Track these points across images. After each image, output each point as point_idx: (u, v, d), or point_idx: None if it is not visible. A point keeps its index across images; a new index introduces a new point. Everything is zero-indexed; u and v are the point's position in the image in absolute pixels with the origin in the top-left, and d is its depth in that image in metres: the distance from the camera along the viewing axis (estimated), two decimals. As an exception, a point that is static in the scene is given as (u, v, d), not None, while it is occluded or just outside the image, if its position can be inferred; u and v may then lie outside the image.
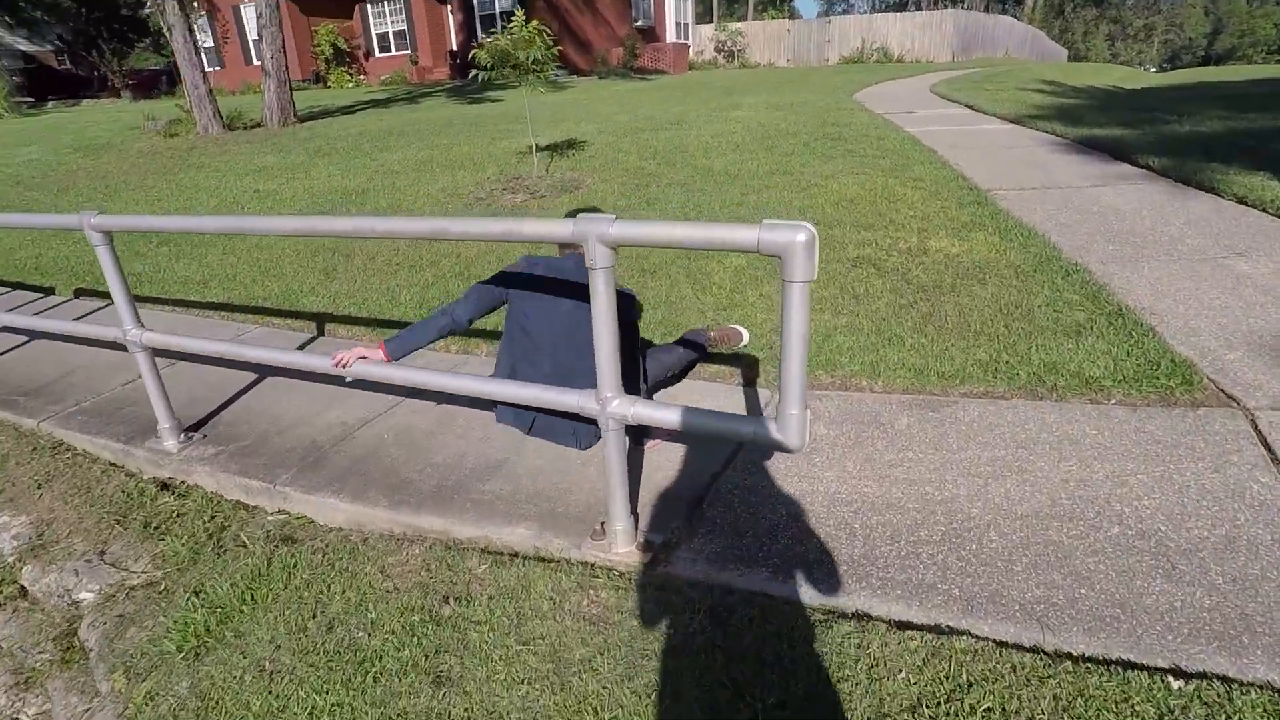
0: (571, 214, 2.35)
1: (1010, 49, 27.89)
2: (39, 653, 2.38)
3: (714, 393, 2.96)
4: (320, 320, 4.14)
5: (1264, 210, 4.44)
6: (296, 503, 2.60)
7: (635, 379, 2.50)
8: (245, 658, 1.99)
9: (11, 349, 4.13)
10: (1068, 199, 4.96)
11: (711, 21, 30.86)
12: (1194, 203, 4.74)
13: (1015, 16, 36.35)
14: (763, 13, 36.76)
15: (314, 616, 2.06)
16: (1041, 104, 9.59)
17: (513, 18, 5.82)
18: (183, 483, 2.88)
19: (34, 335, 4.20)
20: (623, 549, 2.07)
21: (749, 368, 3.10)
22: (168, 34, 9.94)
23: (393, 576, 2.14)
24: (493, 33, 5.84)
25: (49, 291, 5.17)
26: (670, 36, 25.11)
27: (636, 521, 2.15)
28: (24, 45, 28.86)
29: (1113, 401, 2.61)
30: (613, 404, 1.89)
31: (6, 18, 26.55)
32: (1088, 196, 5.01)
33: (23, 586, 2.60)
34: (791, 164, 6.30)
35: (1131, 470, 2.21)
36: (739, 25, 26.70)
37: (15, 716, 2.30)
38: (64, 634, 2.42)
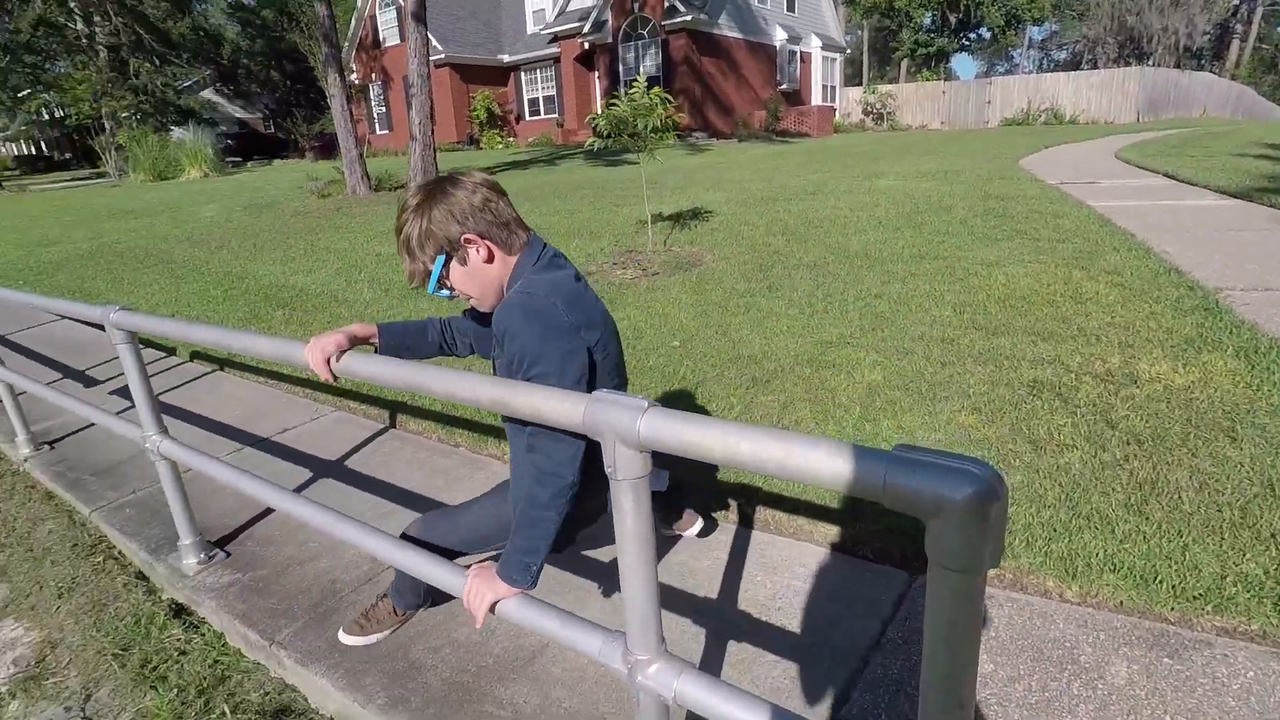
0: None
1: (1209, 108, 24.89)
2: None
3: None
4: (394, 410, 3.79)
5: None
6: (290, 672, 2.13)
7: None
8: None
9: (122, 411, 4.11)
10: (1333, 308, 3.76)
11: (860, 85, 30.10)
12: None
13: (1214, 72, 32.68)
14: (915, 75, 35.45)
15: None
16: (1274, 173, 7.98)
17: (634, 84, 5.46)
18: (194, 612, 2.52)
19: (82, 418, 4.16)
20: None
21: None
22: (330, 102, 10.67)
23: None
24: (615, 99, 5.50)
25: (171, 352, 5.28)
26: (815, 99, 24.60)
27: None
28: (239, 113, 33.34)
29: None
30: (650, 669, 1.23)
31: (228, 89, 30.81)
32: (1363, 306, 3.78)
33: (3, 728, 2.29)
34: (944, 246, 5.41)
35: None
36: (889, 88, 25.74)
37: None
38: (16, 806, 2.05)
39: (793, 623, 2.06)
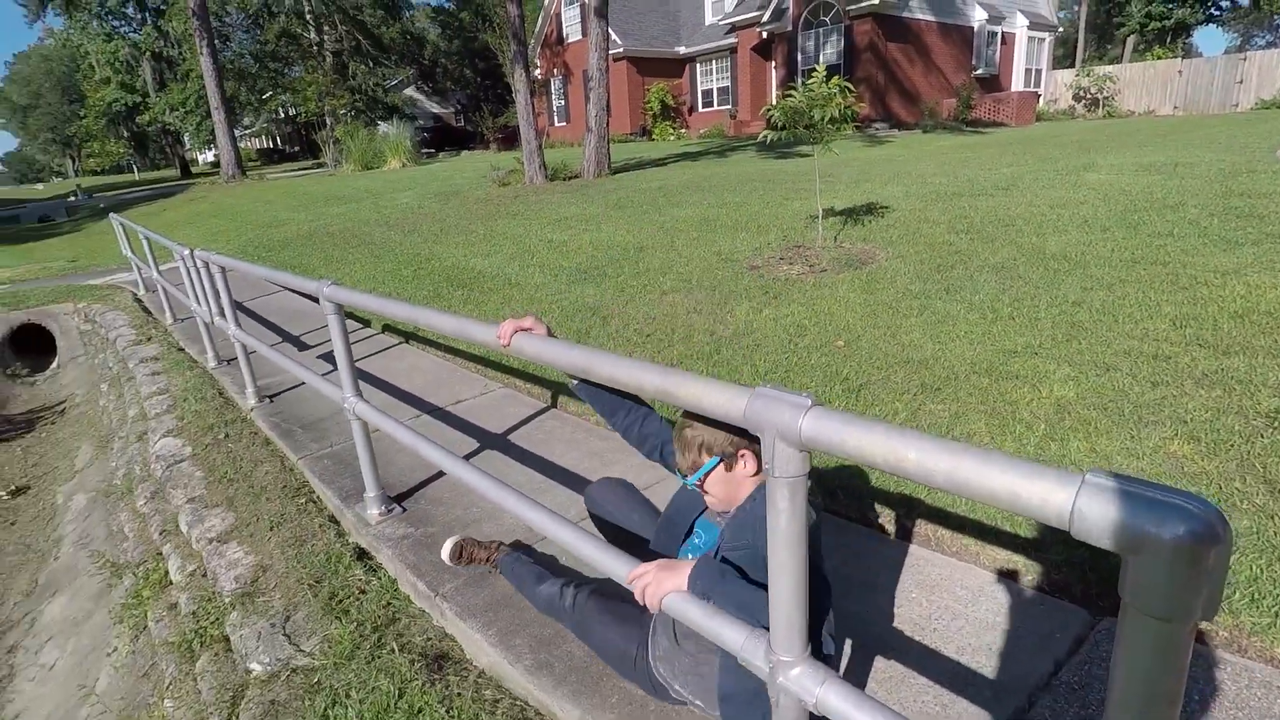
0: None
1: None
2: (214, 715, 2.38)
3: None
4: (555, 391, 3.97)
5: None
6: (450, 623, 2.31)
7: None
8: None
9: (327, 373, 4.68)
10: None
11: (1073, 66, 27.02)
12: None
13: None
14: (1144, 53, 31.03)
15: (395, 813, 1.67)
16: None
17: (813, 73, 5.28)
18: (374, 558, 2.80)
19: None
20: None
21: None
22: (515, 96, 11.35)
23: (490, 791, 1.66)
24: (792, 89, 5.35)
25: (366, 324, 5.91)
26: (1016, 84, 22.44)
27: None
28: (435, 108, 36.52)
29: None
30: (792, 672, 1.19)
31: (427, 86, 33.84)
32: None
33: (226, 635, 2.69)
34: (1166, 250, 4.73)
35: None
36: (1109, 69, 22.86)
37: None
38: (232, 702, 2.40)
39: (949, 647, 1.90)
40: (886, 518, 2.48)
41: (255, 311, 6.52)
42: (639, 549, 2.04)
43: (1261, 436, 2.48)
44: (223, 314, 4.18)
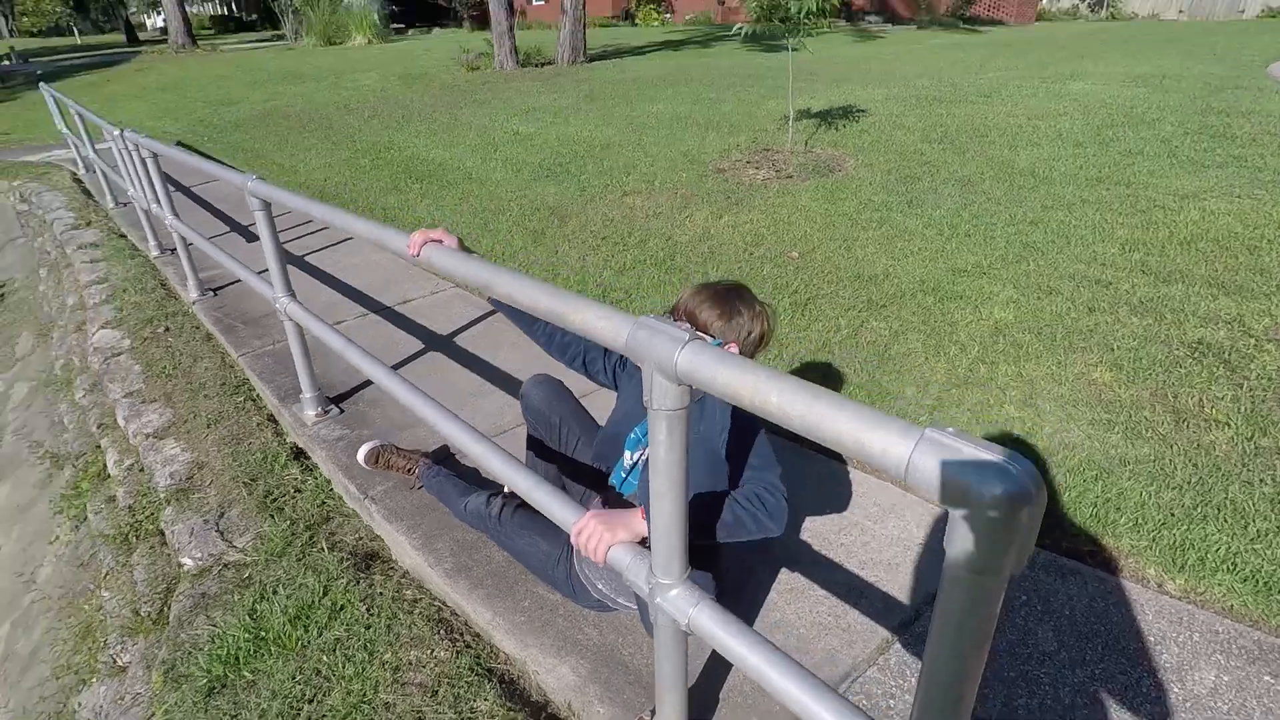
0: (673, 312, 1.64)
1: None
2: (146, 606, 2.45)
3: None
4: (505, 293, 3.91)
5: None
6: (378, 525, 2.36)
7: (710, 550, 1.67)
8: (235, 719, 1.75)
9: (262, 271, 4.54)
10: None
11: (1079, -38, 25.59)
12: None
13: None
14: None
15: (309, 700, 1.76)
16: None
17: (791, -39, 4.93)
18: (310, 457, 2.82)
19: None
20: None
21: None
22: (485, -29, 10.54)
23: (401, 685, 1.74)
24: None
25: (320, 215, 5.68)
26: (1019, -21, 21.28)
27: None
28: (404, -22, 33.81)
29: None
30: (670, 593, 1.23)
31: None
32: None
33: (162, 530, 2.72)
34: (1133, 170, 4.66)
35: None
36: (1115, -33, 21.70)
37: (118, 660, 2.39)
38: (165, 593, 2.47)
39: (852, 561, 2.00)
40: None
41: (202, 197, 6.24)
42: (570, 448, 2.07)
43: (1179, 366, 2.54)
44: (158, 201, 3.98)
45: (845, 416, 0.84)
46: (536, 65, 11.20)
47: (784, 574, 1.98)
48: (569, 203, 5.06)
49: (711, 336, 1.58)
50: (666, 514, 1.17)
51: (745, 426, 1.57)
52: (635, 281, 3.74)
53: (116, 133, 4.24)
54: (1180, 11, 20.09)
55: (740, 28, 5.27)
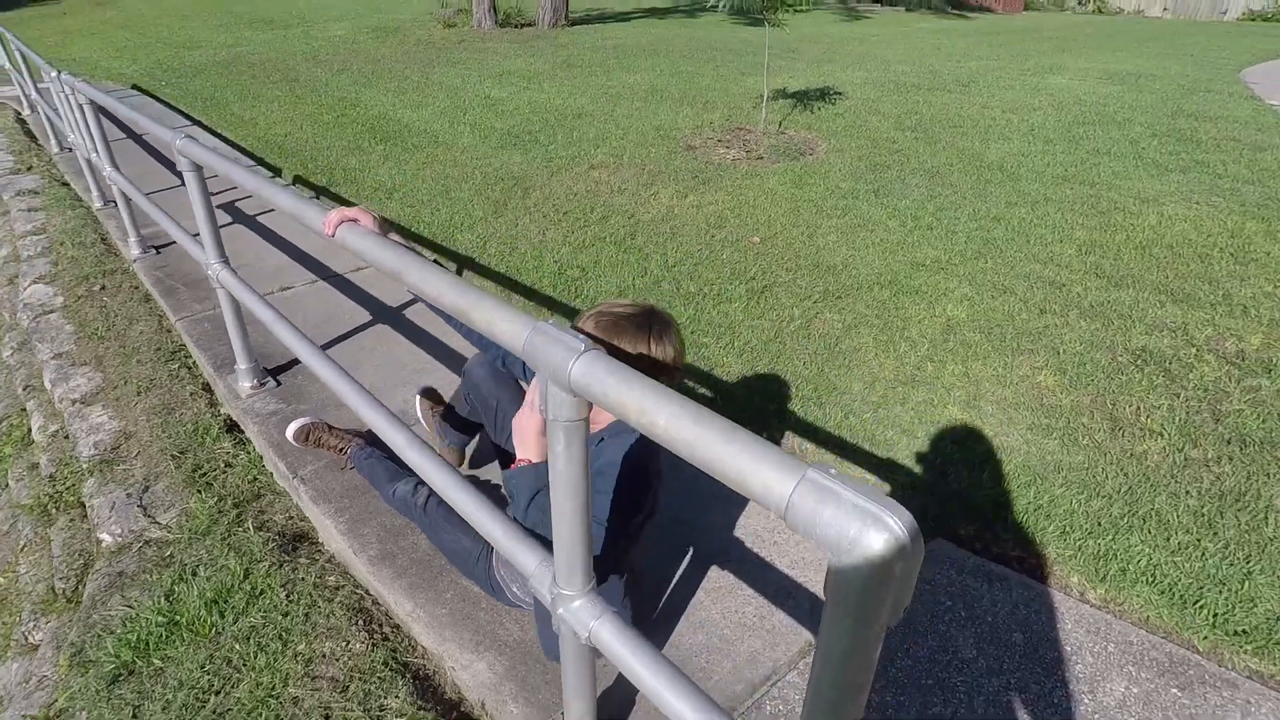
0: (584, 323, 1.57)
1: None
2: (61, 582, 2.37)
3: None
4: (461, 264, 3.81)
5: None
6: (306, 506, 2.29)
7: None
8: (136, 712, 1.70)
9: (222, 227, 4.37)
10: None
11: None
12: None
13: None
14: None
15: (216, 693, 1.71)
16: None
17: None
18: (244, 431, 2.73)
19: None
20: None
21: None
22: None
23: (311, 679, 1.70)
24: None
25: (277, 172, 5.49)
26: (1009, -34, 21.12)
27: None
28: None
29: None
30: (573, 604, 1.20)
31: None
32: None
33: (83, 501, 2.63)
34: (1099, 170, 4.67)
35: None
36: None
37: (30, 638, 2.31)
38: (83, 569, 2.38)
39: (783, 560, 1.98)
40: (755, 425, 2.51)
41: (157, 149, 5.97)
42: (504, 436, 2.01)
43: (1122, 374, 2.55)
44: (97, 151, 3.79)
45: (732, 449, 0.80)
46: (516, 26, 10.88)
47: (714, 571, 1.96)
48: (534, 173, 4.94)
49: None
50: (567, 526, 1.13)
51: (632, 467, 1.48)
52: (593, 259, 3.67)
53: (54, 74, 4.01)
54: (1165, 9, 20.15)
55: (716, 3, 5.14)
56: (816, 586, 1.91)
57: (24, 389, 3.27)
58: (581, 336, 0.97)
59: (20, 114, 7.27)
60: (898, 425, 2.38)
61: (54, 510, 2.63)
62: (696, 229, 4.00)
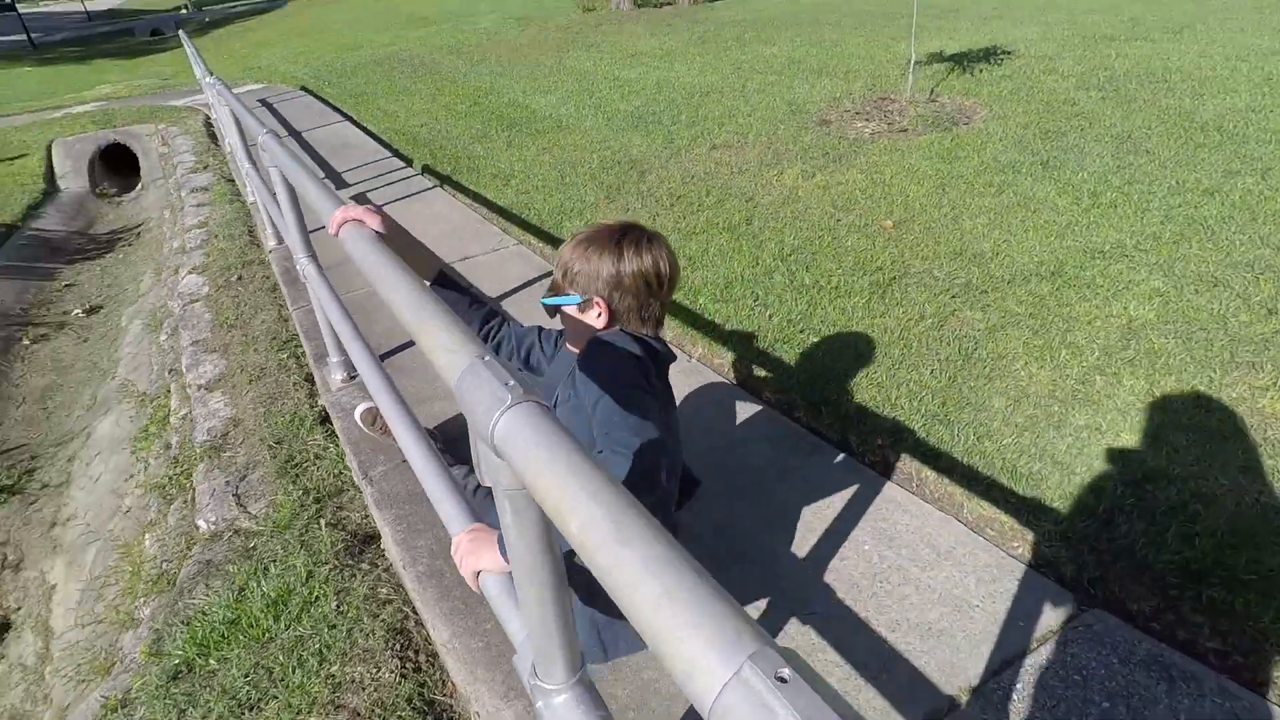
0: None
1: None
2: (167, 563, 2.48)
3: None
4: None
5: None
6: (371, 509, 2.22)
7: None
8: (181, 716, 1.68)
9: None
10: None
11: None
12: None
13: None
14: None
15: (250, 709, 1.64)
16: None
17: None
18: (333, 424, 2.74)
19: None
20: None
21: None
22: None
23: (335, 708, 1.58)
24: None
25: (409, 162, 5.65)
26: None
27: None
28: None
29: None
30: (555, 700, 0.95)
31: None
32: None
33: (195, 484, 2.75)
34: (1360, 124, 3.64)
35: None
36: None
37: (139, 615, 2.44)
38: (184, 551, 2.48)
39: (882, 620, 1.61)
40: (866, 443, 2.11)
41: (309, 143, 6.39)
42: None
43: None
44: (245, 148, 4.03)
45: (653, 595, 0.50)
46: (656, 5, 10.64)
47: (792, 626, 1.63)
48: (653, 155, 4.69)
49: (577, 290, 1.33)
50: (534, 612, 0.88)
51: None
52: (702, 248, 3.36)
53: (208, 80, 4.31)
54: None
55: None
56: (923, 659, 1.53)
57: (169, 373, 3.54)
58: (513, 383, 0.71)
59: (209, 118, 8.11)
60: (1049, 455, 1.90)
61: (173, 491, 2.78)
62: (821, 212, 3.56)
